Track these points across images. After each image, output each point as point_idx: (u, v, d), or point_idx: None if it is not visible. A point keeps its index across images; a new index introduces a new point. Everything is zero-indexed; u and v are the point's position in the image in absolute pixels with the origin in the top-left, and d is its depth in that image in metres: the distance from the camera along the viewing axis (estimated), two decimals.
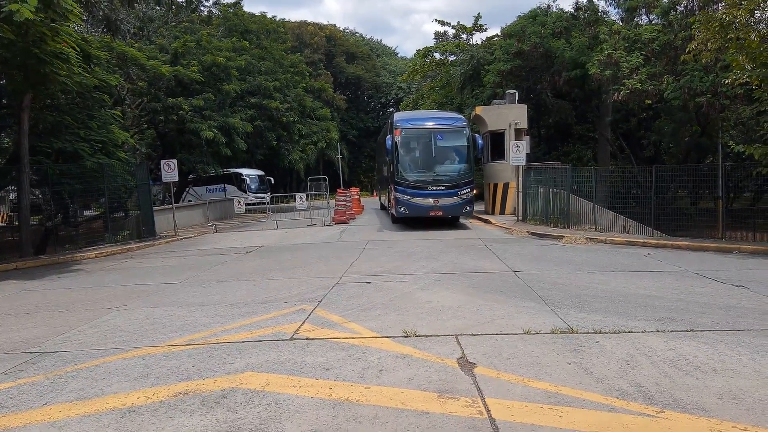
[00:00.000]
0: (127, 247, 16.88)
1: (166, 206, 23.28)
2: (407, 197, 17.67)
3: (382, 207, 25.87)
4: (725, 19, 12.06)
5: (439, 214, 17.57)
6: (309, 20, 64.87)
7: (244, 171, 39.22)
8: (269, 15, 40.77)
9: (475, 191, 18.66)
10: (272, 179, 43.98)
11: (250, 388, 4.92)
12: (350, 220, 23.19)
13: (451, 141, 18.11)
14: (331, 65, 59.84)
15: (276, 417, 4.30)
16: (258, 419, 4.28)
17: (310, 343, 6.14)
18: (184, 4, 30.81)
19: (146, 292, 9.74)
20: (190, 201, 35.18)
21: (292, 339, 6.35)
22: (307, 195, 24.37)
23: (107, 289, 10.32)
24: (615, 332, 6.15)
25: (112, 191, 17.61)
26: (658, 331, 6.15)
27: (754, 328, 6.23)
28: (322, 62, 58.24)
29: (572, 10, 29.31)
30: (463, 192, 17.77)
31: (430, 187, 17.52)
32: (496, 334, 6.25)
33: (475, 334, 6.28)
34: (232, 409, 4.48)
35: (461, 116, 19.58)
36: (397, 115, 19.61)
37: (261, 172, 41.61)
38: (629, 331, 6.16)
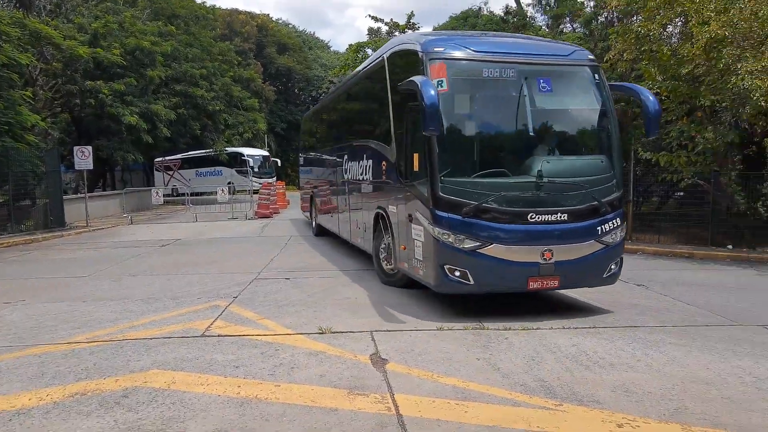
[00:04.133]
0: (32, 237, 15.93)
1: (80, 195, 22.14)
2: (471, 242, 6.52)
3: (318, 227, 15.11)
4: (640, 31, 12.68)
5: (552, 285, 6.78)
6: (241, 8, 63.53)
7: (246, 150, 34.31)
8: (199, 0, 39.49)
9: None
10: (279, 161, 39.85)
11: (154, 386, 4.75)
12: (274, 215, 22.84)
13: (569, 97, 7.33)
14: (261, 55, 58.69)
15: (179, 417, 4.17)
16: (160, 419, 4.13)
17: (222, 341, 6.00)
18: None
19: (49, 285, 9.22)
20: (174, 187, 32.16)
21: (203, 336, 6.19)
22: (229, 187, 23.57)
23: (4, 282, 9.70)
24: (523, 329, 6.35)
25: (17, 177, 16.56)
26: (563, 328, 6.40)
27: (649, 325, 6.60)
28: (253, 52, 57.01)
29: (502, 14, 30.07)
30: (605, 223, 6.88)
31: (531, 215, 6.56)
32: (411, 330, 6.32)
33: (390, 331, 6.33)
34: (133, 409, 4.30)
35: (578, 47, 8.00)
36: (425, 38, 7.41)
37: (266, 153, 36.78)
38: (537, 329, 6.38)
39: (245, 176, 30.74)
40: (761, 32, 10.39)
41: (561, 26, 28.51)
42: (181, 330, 6.41)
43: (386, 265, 8.65)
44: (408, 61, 7.43)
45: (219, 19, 46.63)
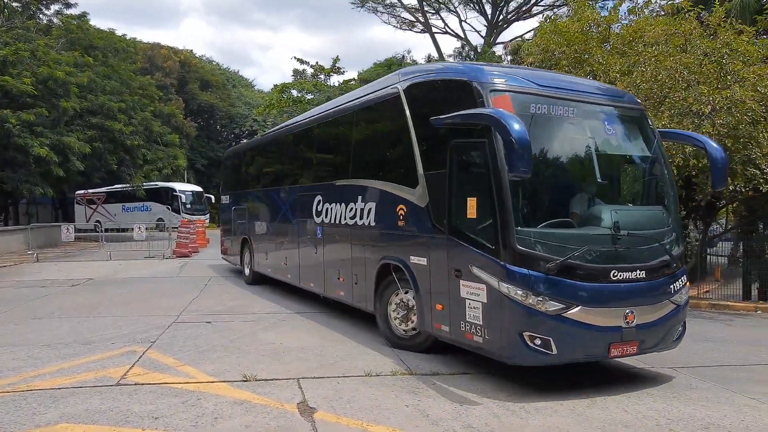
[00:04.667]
0: None
1: None
2: (555, 304, 5.56)
3: (256, 274, 13.38)
4: None
5: (631, 351, 5.99)
6: (163, 43, 62.23)
7: (178, 186, 32.27)
8: (119, 32, 38.38)
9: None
10: (212, 197, 37.86)
11: None
12: (193, 254, 22.08)
13: (629, 142, 6.87)
14: (183, 91, 57.56)
15: None
16: None
17: (139, 389, 5.67)
18: (20, 9, 28.04)
19: None
20: (98, 223, 29.98)
21: (118, 384, 5.83)
22: (159, 224, 22.46)
23: None
24: (451, 374, 6.40)
25: None
26: (489, 374, 6.49)
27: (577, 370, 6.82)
28: (174, 87, 55.83)
29: (424, 63, 31.19)
30: (676, 281, 6.35)
31: (614, 273, 5.84)
32: (339, 377, 6.23)
33: (317, 377, 6.21)
34: None
35: (624, 91, 8.28)
36: (475, 67, 6.72)
37: (198, 188, 34.77)
38: (464, 373, 6.45)
39: (177, 213, 29.33)
40: (660, 93, 11.28)
41: None
42: (94, 378, 6.01)
43: (400, 325, 7.46)
44: (448, 93, 6.57)
45: (140, 53, 45.47)
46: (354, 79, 34.34)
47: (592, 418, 5.14)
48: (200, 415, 5.00)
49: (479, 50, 32.82)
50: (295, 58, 46.40)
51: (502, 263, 5.59)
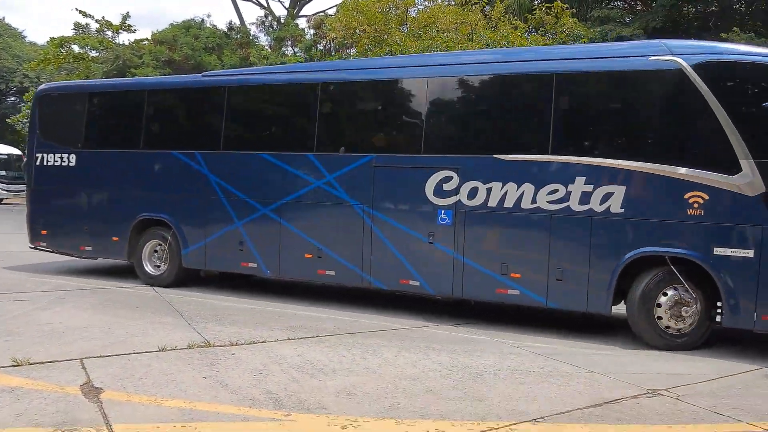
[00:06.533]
0: None
1: None
2: None
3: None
4: None
5: None
6: None
7: None
8: None
9: None
10: None
11: None
12: None
13: None
14: None
15: None
16: None
17: None
18: None
19: None
20: None
21: None
22: None
23: None
24: (250, 343, 6.38)
25: None
26: (289, 339, 6.61)
27: (366, 330, 7.21)
28: None
29: (226, 29, 29.98)
30: None
31: None
32: (129, 354, 5.85)
33: (104, 356, 5.76)
34: None
35: None
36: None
37: (16, 151, 27.78)
38: (263, 341, 6.47)
39: None
40: None
41: (283, 48, 29.61)
42: None
43: (673, 323, 6.80)
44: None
45: None
46: (147, 39, 31.71)
47: (384, 374, 5.51)
48: None
49: (282, 21, 32.36)
50: (77, 9, 41.15)
51: None
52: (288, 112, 9.47)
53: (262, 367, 5.59)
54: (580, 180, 6.98)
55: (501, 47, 11.55)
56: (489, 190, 7.42)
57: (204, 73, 11.50)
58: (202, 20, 31.28)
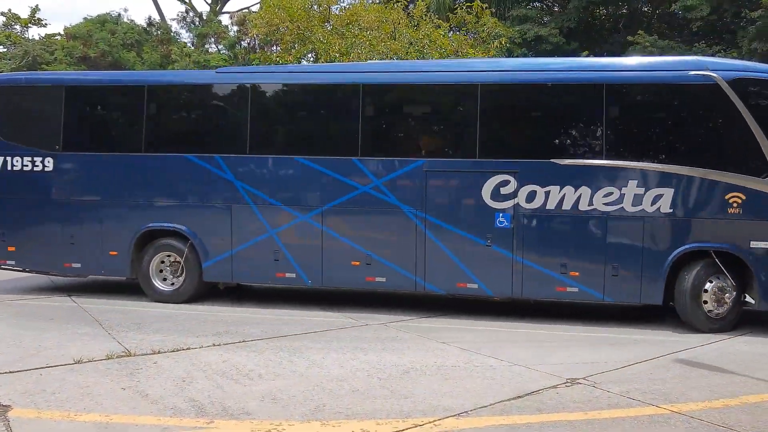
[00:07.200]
0: None
1: None
2: None
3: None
4: (278, 61, 13.74)
5: None
6: None
7: None
8: None
9: None
10: None
11: None
12: None
13: None
14: None
15: None
16: None
17: None
18: None
19: None
20: None
21: None
22: None
23: None
24: (174, 350, 6.20)
25: None
26: (214, 345, 6.48)
27: (294, 333, 7.16)
28: None
29: (145, 25, 28.89)
30: None
31: None
32: (42, 368, 5.57)
33: (14, 371, 5.45)
34: None
35: None
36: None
37: None
38: (187, 348, 6.31)
39: None
40: None
41: (206, 45, 28.87)
42: None
43: (715, 308, 7.47)
44: None
45: None
46: (60, 33, 30.07)
47: (311, 377, 5.50)
48: None
49: (204, 17, 31.49)
50: None
51: None
52: (328, 114, 8.99)
53: (186, 374, 5.46)
54: (632, 183, 7.52)
55: (422, 45, 11.80)
56: (547, 194, 7.70)
57: (218, 70, 10.62)
58: (119, 15, 29.97)
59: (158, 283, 8.81)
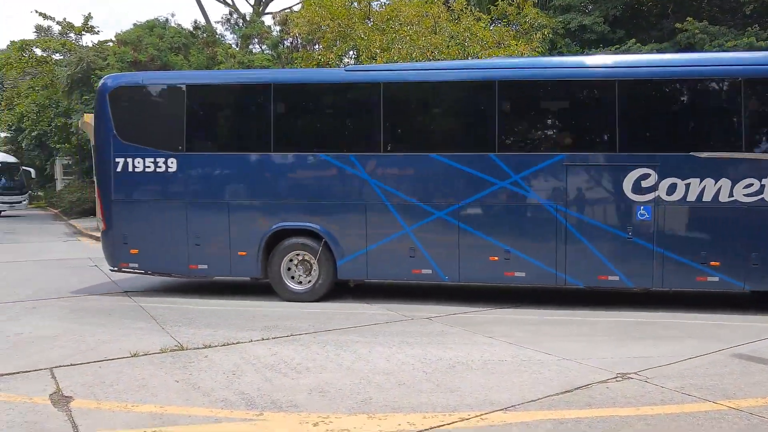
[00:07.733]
0: None
1: None
2: None
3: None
4: (320, 59, 13.86)
5: None
6: None
7: None
8: None
9: None
10: (33, 170, 28.26)
11: None
12: None
13: None
14: None
15: None
16: None
17: None
18: None
19: None
20: None
21: None
22: None
23: None
24: (224, 345, 6.36)
25: None
26: (263, 340, 6.60)
27: (341, 327, 7.24)
28: None
29: (191, 28, 29.55)
30: None
31: None
32: (100, 361, 5.80)
33: (74, 364, 5.70)
34: None
35: None
36: None
37: (11, 158, 25.89)
38: (237, 342, 6.46)
39: None
40: None
41: (250, 46, 29.33)
42: None
43: None
44: None
45: None
46: (111, 40, 31.10)
47: (357, 370, 5.55)
48: None
49: (248, 18, 32.01)
50: (36, 11, 40.16)
51: None
52: (463, 111, 8.97)
53: (235, 368, 5.59)
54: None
55: (463, 39, 11.70)
56: (687, 186, 7.80)
57: (346, 68, 10.67)
58: (166, 20, 30.74)
59: (290, 283, 8.88)
